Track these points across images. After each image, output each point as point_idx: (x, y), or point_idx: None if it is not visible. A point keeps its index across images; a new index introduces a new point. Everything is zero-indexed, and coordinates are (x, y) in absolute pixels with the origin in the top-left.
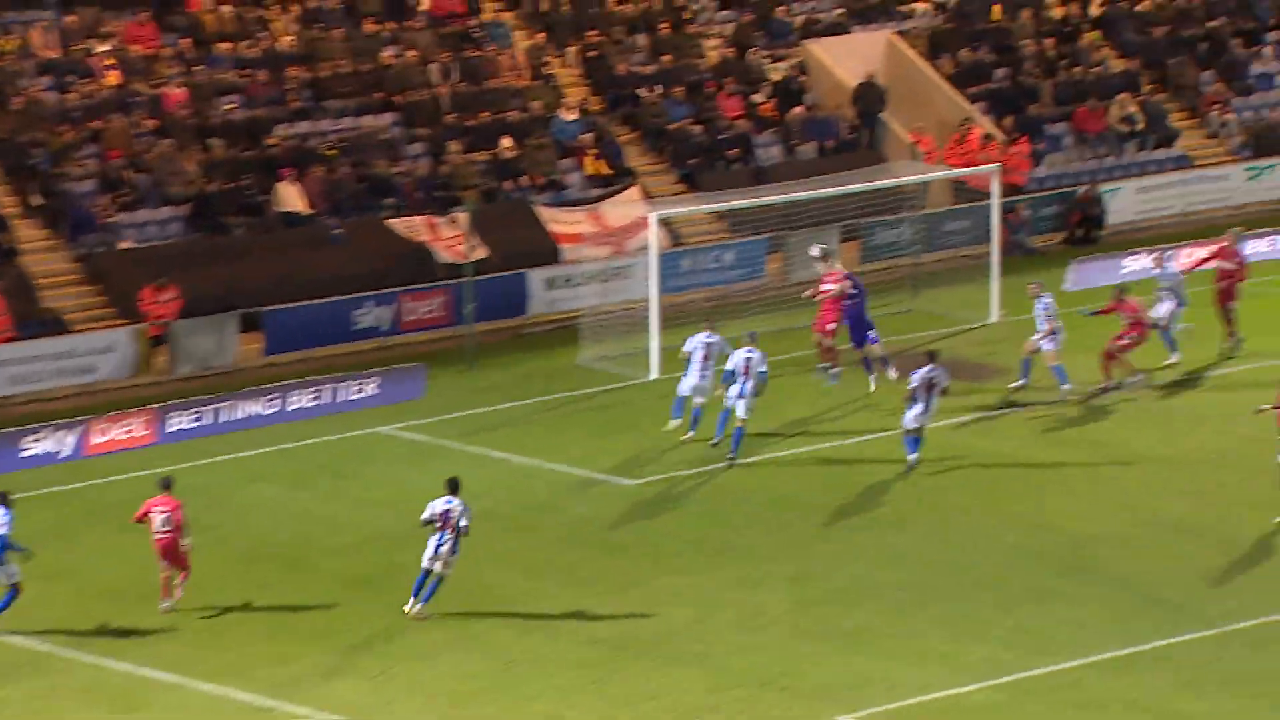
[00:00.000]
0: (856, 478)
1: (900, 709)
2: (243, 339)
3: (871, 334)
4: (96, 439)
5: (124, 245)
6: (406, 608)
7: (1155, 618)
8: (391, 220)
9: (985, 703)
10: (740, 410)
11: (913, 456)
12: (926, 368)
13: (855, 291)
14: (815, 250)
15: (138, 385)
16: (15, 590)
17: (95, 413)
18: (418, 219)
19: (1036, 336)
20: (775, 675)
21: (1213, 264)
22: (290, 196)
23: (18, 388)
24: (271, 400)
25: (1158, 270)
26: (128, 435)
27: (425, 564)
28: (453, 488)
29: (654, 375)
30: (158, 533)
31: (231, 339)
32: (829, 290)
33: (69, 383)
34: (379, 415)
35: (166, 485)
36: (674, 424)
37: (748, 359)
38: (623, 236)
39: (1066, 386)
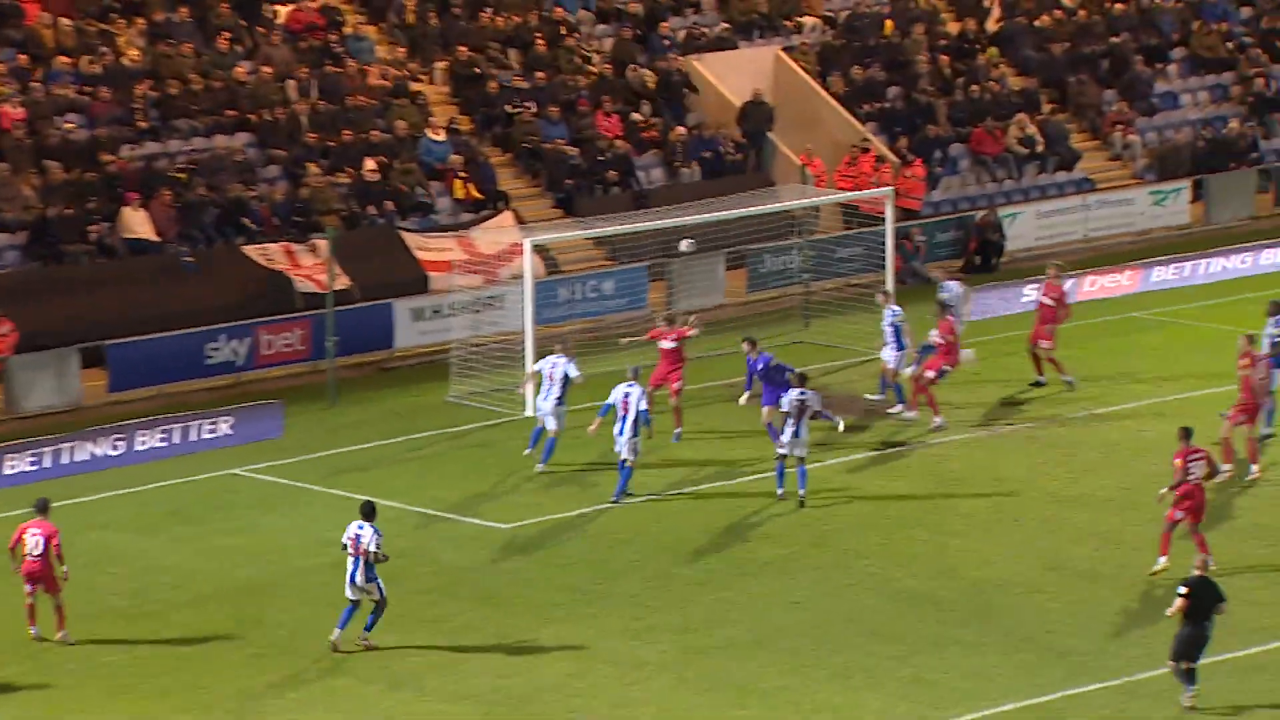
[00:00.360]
0: (745, 518)
1: None
2: (85, 375)
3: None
4: None
5: None
6: (332, 637)
7: (1059, 668)
8: (247, 248)
9: None
10: (624, 451)
11: (797, 489)
12: (796, 391)
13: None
14: (685, 245)
15: None
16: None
17: None
18: (275, 246)
19: (886, 351)
20: None
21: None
22: (137, 222)
23: None
24: (117, 440)
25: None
26: None
27: (346, 594)
28: (365, 513)
29: (529, 411)
30: (29, 556)
31: (73, 375)
32: (666, 344)
33: None
34: (234, 456)
35: (42, 508)
36: (528, 451)
37: (626, 394)
38: (495, 264)
39: (899, 407)
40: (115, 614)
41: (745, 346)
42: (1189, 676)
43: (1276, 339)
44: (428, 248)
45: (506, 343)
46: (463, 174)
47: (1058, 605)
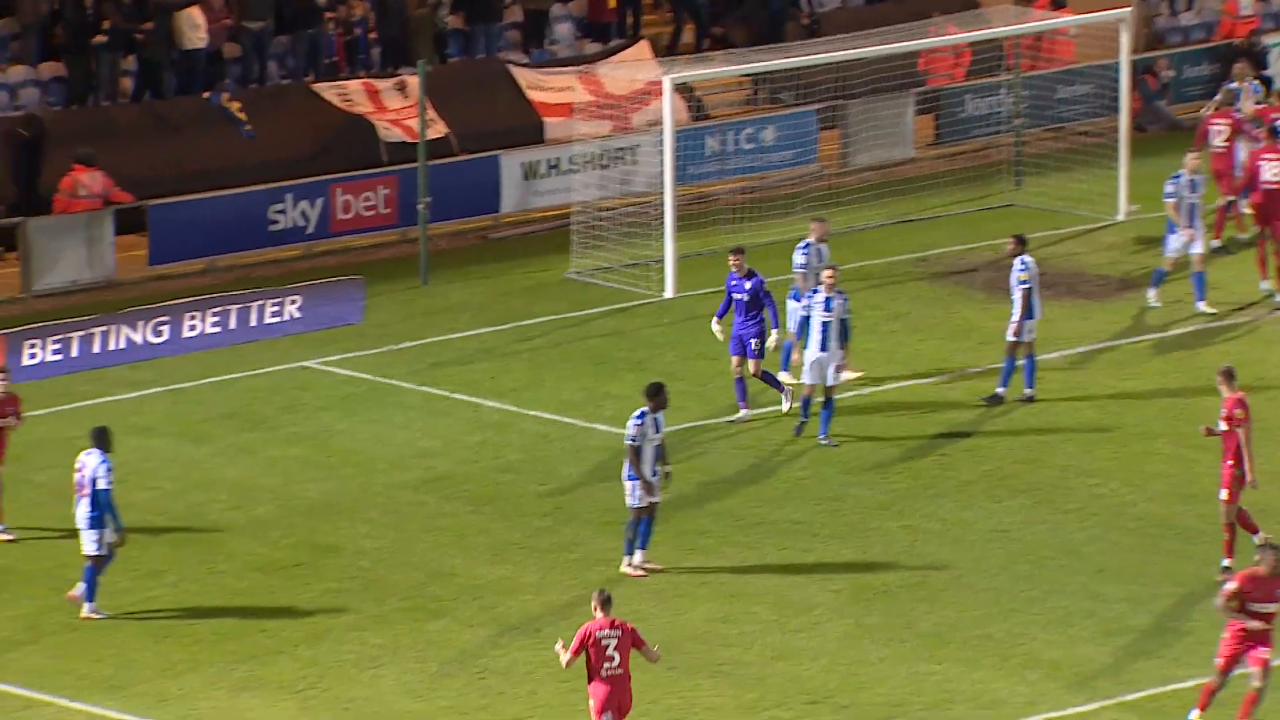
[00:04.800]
0: (939, 429)
1: None
2: (121, 243)
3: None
4: None
5: None
6: (627, 567)
7: None
8: (319, 85)
9: None
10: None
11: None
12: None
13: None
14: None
15: None
16: (110, 556)
17: None
18: (354, 84)
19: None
20: (829, 689)
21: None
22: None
23: None
24: (160, 325)
25: None
26: None
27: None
28: (653, 391)
29: (669, 293)
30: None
31: (106, 243)
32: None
33: None
34: (303, 345)
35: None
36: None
37: (825, 301)
38: (627, 108)
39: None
40: (159, 538)
41: (731, 259)
42: None
43: None
44: (544, 86)
45: (641, 206)
46: None
47: None
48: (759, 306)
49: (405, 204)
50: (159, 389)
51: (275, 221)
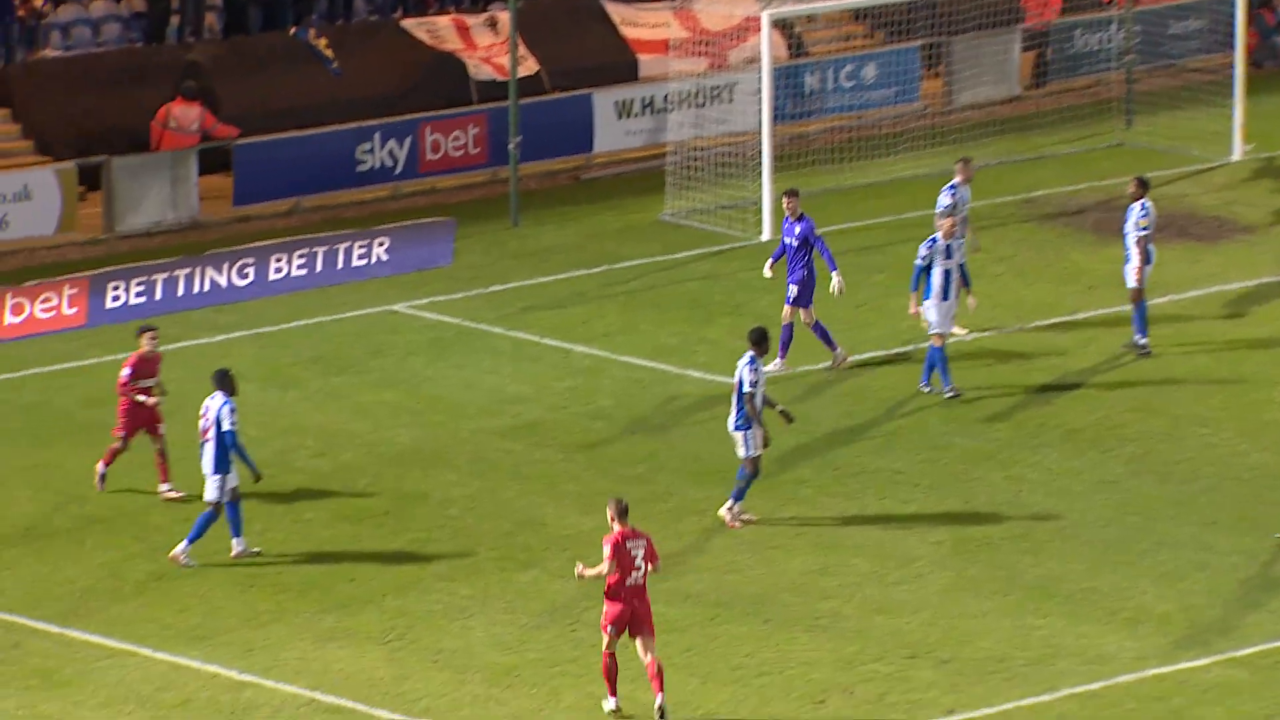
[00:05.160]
0: (1049, 378)
1: (1105, 689)
2: (205, 183)
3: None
4: (8, 319)
5: (46, 54)
6: (725, 511)
7: None
8: (407, 21)
9: (1223, 681)
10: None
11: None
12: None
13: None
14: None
15: (62, 246)
16: (233, 507)
17: (4, 283)
18: (443, 19)
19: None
20: (930, 643)
21: None
22: None
23: None
24: (245, 267)
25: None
26: (49, 314)
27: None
28: (759, 337)
29: (766, 235)
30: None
31: (190, 183)
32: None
33: None
34: (391, 288)
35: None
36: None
37: (947, 246)
38: (724, 44)
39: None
40: (242, 485)
41: (785, 201)
42: None
43: None
44: (638, 22)
45: (737, 146)
46: None
47: None
48: (808, 250)
49: (495, 143)
50: (244, 333)
51: (362, 162)
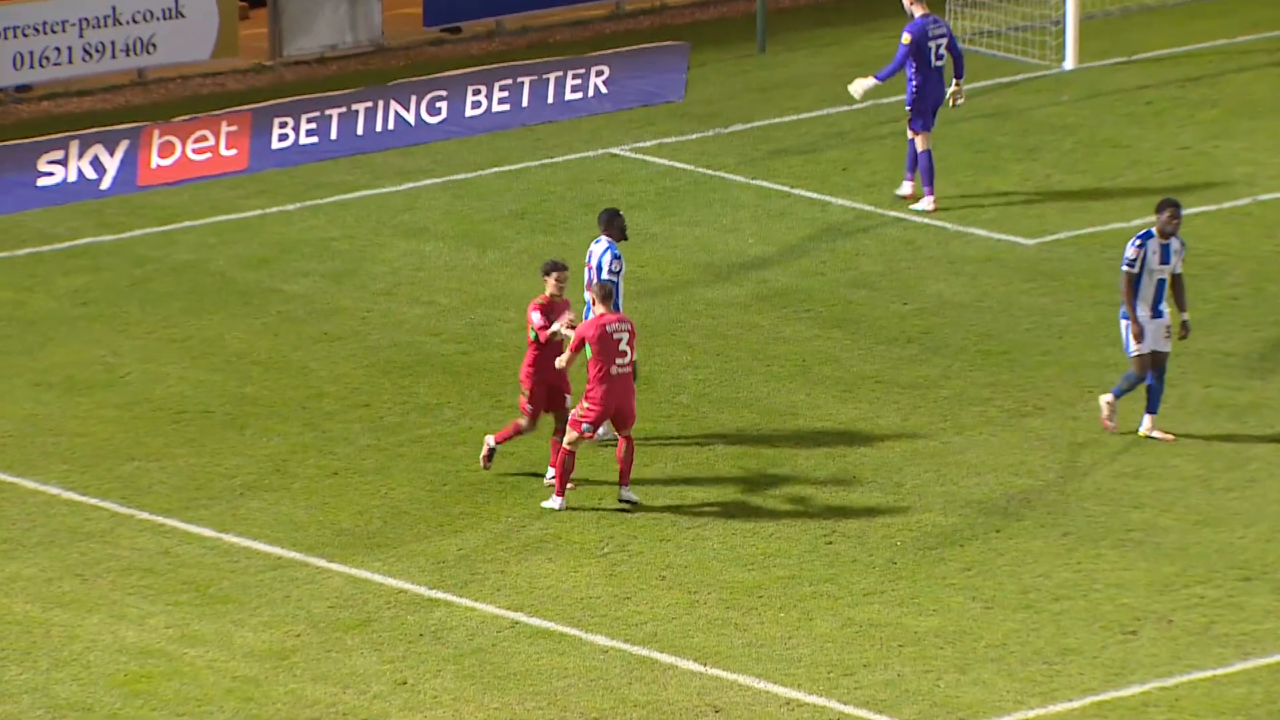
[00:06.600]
0: None
1: None
2: (388, 1)
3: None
4: (155, 160)
5: None
6: (1144, 429)
7: None
8: None
9: None
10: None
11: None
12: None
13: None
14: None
15: (220, 74)
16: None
17: (152, 117)
18: None
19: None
20: (1268, 563)
21: None
22: None
23: (30, 74)
24: (436, 100)
25: None
26: (205, 156)
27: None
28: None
29: (1069, 64)
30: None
31: (370, 2)
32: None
33: (111, 68)
34: (611, 127)
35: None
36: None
37: None
38: None
39: None
40: (432, 364)
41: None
42: None
43: None
44: None
45: None
46: None
47: None
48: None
49: None
50: (434, 180)
51: None
